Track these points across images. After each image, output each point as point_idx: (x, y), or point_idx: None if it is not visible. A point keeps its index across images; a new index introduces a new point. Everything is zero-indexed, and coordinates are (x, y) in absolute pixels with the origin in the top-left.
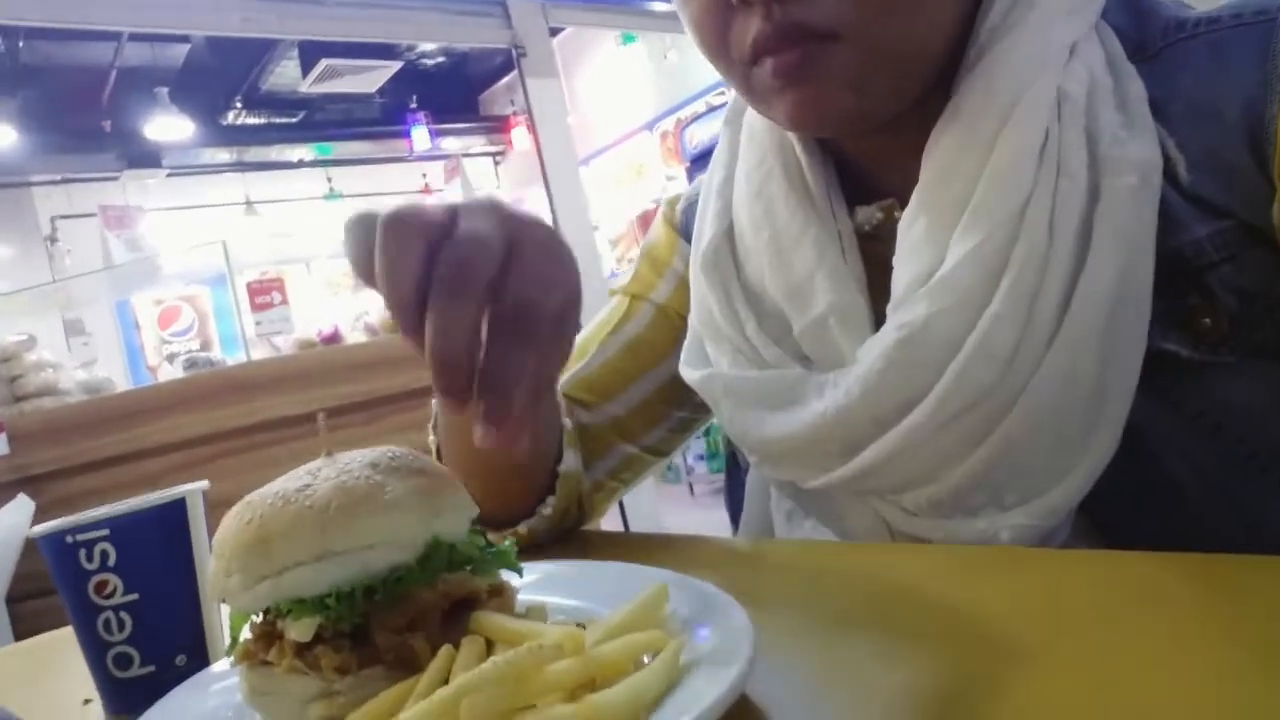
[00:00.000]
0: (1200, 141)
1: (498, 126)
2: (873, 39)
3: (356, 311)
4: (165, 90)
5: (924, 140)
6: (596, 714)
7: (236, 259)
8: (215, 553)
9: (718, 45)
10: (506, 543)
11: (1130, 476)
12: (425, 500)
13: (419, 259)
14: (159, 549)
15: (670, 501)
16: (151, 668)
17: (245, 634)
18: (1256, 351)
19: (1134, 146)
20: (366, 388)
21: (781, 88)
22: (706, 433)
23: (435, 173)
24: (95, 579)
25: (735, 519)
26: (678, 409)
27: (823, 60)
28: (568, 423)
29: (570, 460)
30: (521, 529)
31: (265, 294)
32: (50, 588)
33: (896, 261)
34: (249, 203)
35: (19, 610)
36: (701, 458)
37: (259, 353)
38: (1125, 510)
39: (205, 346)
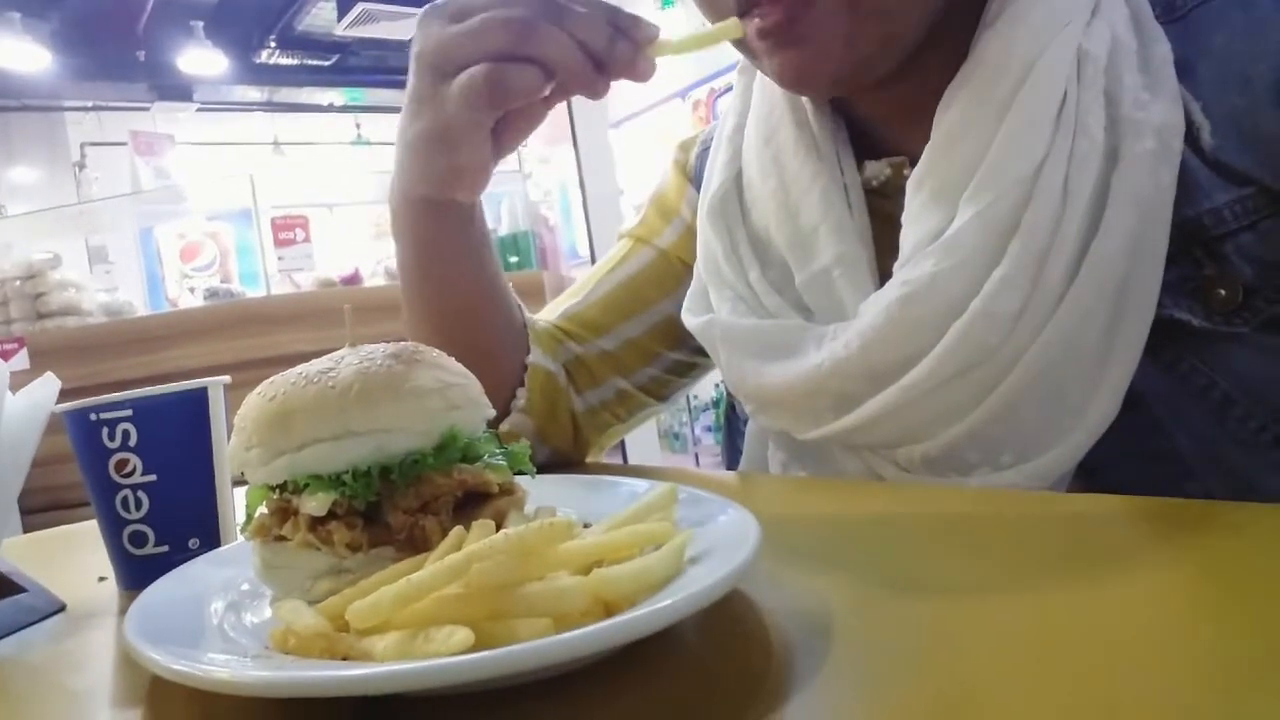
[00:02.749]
0: (1228, 106)
1: None
2: None
3: (377, 256)
4: (200, 24)
5: (935, 98)
6: (604, 587)
7: (261, 199)
8: (236, 427)
9: (711, 4)
10: (521, 444)
11: (1134, 446)
12: (444, 392)
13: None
14: (179, 434)
15: None
16: (165, 548)
17: (261, 511)
18: (1270, 324)
19: (1155, 110)
20: (383, 330)
21: (770, 49)
22: (716, 404)
23: None
24: (116, 457)
25: (732, 468)
26: (670, 350)
27: (806, 20)
28: (529, 316)
29: (537, 356)
30: (505, 427)
31: (289, 230)
32: (69, 502)
33: (905, 220)
34: (277, 143)
35: (35, 520)
36: (710, 429)
37: (279, 290)
38: (1127, 480)
39: (226, 281)
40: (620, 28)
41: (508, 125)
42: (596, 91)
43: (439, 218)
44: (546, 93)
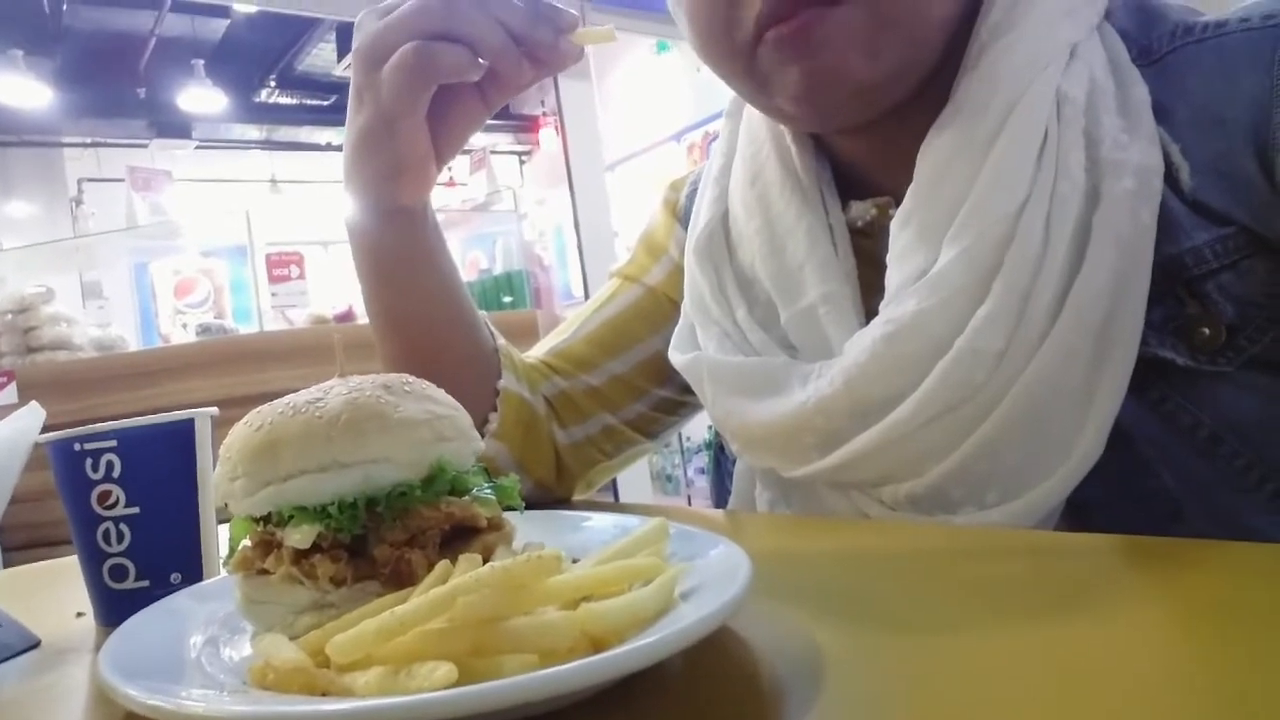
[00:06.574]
0: (1205, 148)
1: (526, 125)
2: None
3: None
4: (201, 63)
5: (918, 141)
6: (592, 622)
7: (257, 236)
8: (222, 457)
9: (721, 29)
10: (510, 479)
11: (1122, 485)
12: (433, 424)
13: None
14: (164, 466)
15: None
16: (146, 582)
17: (244, 544)
18: (1254, 362)
19: (1135, 151)
20: (375, 368)
21: (787, 61)
22: (708, 446)
23: (460, 165)
24: (99, 489)
25: (720, 507)
26: (657, 387)
27: (827, 24)
28: (502, 343)
29: (510, 381)
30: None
31: (284, 266)
32: (51, 539)
33: (890, 260)
34: (274, 181)
35: (16, 558)
36: (702, 471)
37: (272, 327)
38: (1115, 519)
39: (219, 317)
40: (541, 15)
41: (448, 125)
42: (522, 75)
43: (388, 225)
44: (476, 77)
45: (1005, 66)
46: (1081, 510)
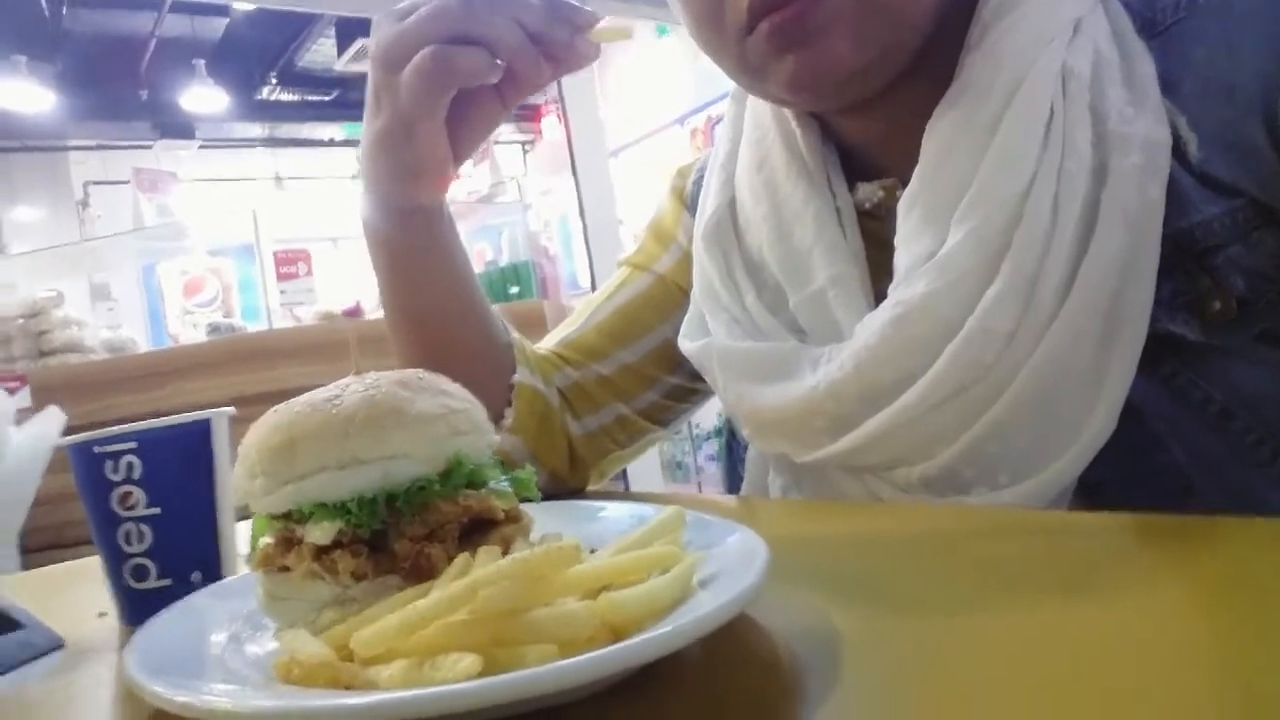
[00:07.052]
0: (1212, 119)
1: (528, 115)
2: None
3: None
4: (202, 62)
5: (923, 121)
6: (612, 611)
7: (263, 234)
8: (241, 456)
9: (713, 16)
10: (526, 471)
11: (1134, 461)
12: (449, 418)
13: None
14: (183, 466)
15: None
16: (167, 581)
17: (265, 541)
18: (1265, 336)
19: (1141, 124)
20: (387, 363)
21: (778, 51)
22: (719, 433)
23: None
24: (119, 490)
25: (733, 493)
26: (668, 375)
27: (820, 13)
28: (516, 337)
29: (524, 375)
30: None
31: (291, 264)
32: (67, 540)
33: (898, 242)
34: (279, 178)
35: (34, 560)
36: (712, 458)
37: (281, 324)
38: (1128, 496)
39: (228, 316)
40: (558, 13)
41: (466, 126)
42: (540, 74)
43: (405, 224)
44: (495, 79)
45: (1009, 45)
46: (1093, 487)
